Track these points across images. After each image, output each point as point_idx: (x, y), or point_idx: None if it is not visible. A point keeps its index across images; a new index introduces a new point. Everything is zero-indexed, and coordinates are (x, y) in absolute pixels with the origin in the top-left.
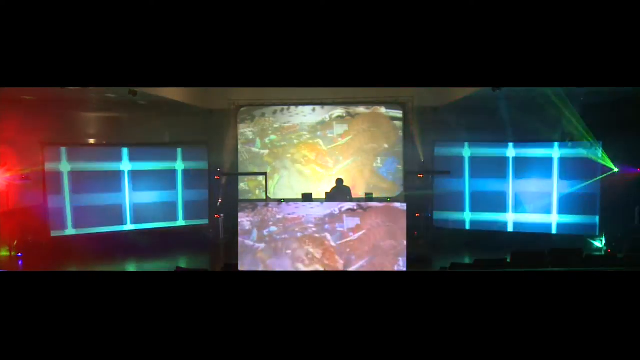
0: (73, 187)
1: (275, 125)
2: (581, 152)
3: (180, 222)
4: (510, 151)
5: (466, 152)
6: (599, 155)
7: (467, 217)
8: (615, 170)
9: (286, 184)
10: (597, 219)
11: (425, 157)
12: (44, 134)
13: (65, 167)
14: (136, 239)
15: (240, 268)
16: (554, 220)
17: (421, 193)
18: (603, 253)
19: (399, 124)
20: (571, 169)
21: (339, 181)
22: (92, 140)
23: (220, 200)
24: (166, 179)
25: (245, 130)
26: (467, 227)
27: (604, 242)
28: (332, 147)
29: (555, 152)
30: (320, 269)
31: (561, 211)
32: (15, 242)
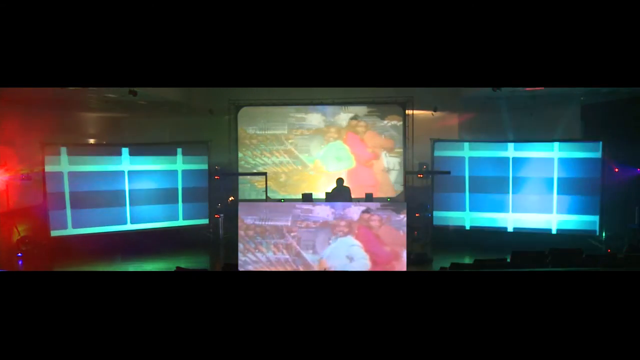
0: (73, 187)
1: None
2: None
3: (181, 222)
4: (510, 151)
5: (466, 152)
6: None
7: (467, 216)
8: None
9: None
10: (597, 218)
11: (425, 157)
12: (44, 134)
13: (65, 167)
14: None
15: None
16: (554, 219)
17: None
18: (603, 253)
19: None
20: (571, 168)
21: (340, 181)
22: (92, 140)
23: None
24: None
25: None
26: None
27: (603, 242)
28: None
29: (555, 152)
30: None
31: (561, 211)
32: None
